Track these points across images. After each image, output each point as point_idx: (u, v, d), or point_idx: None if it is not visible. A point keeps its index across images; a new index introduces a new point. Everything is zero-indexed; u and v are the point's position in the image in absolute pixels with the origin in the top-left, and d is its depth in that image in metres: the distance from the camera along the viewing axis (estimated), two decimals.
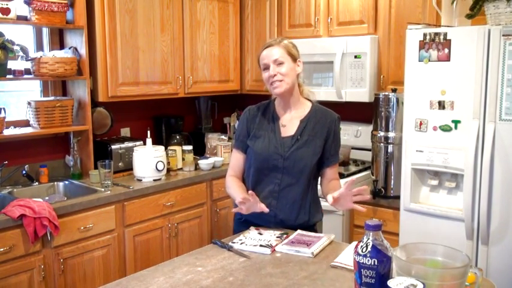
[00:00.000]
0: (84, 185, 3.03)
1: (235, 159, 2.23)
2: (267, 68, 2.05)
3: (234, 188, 2.14)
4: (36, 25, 2.94)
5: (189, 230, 3.31)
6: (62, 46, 3.20)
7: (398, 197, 2.77)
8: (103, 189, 2.90)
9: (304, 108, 2.15)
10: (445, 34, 2.46)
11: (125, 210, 2.92)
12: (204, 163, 3.46)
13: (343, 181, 3.00)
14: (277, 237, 1.98)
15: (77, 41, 3.09)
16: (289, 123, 2.13)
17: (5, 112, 2.87)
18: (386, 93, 2.94)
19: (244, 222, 2.18)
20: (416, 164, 2.63)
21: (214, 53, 3.81)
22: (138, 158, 3.15)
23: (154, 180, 3.15)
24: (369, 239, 1.34)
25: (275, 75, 2.02)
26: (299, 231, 2.05)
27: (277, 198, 2.10)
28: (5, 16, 2.71)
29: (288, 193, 2.10)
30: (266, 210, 1.98)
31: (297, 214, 2.11)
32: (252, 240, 1.95)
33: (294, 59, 2.07)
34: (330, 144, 2.11)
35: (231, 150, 2.62)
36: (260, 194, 2.13)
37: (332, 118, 2.14)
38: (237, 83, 4.03)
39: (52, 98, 3.13)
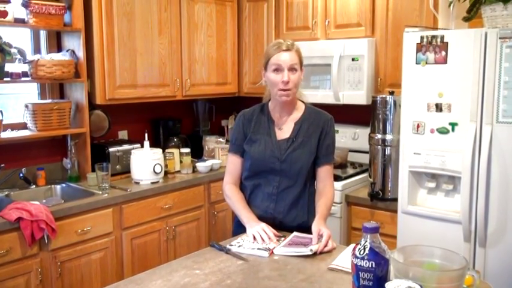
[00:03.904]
0: (81, 187, 3.03)
1: (233, 164, 2.23)
2: (279, 70, 2.03)
3: (237, 202, 2.15)
4: (33, 28, 2.93)
5: (186, 233, 3.30)
6: (59, 49, 3.19)
7: (396, 200, 2.77)
8: (100, 192, 2.89)
9: (298, 110, 2.16)
10: (442, 37, 2.47)
11: (123, 213, 2.91)
12: (201, 166, 3.46)
13: (339, 184, 3.03)
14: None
15: (74, 43, 3.09)
16: (285, 125, 2.14)
17: (2, 115, 2.86)
18: (384, 95, 2.94)
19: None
20: (413, 166, 2.63)
21: (212, 55, 3.81)
22: (136, 161, 3.15)
23: (152, 182, 3.14)
24: (366, 241, 1.34)
25: (288, 82, 2.01)
26: (295, 233, 2.04)
27: (275, 201, 2.11)
28: (2, 19, 2.71)
29: (286, 195, 2.11)
30: (274, 240, 1.97)
31: (295, 215, 2.12)
32: (249, 243, 1.95)
33: (301, 65, 2.09)
34: (322, 144, 2.12)
35: None
36: (258, 197, 2.14)
37: (325, 118, 2.16)
38: (234, 86, 4.03)
39: (49, 100, 3.13)
